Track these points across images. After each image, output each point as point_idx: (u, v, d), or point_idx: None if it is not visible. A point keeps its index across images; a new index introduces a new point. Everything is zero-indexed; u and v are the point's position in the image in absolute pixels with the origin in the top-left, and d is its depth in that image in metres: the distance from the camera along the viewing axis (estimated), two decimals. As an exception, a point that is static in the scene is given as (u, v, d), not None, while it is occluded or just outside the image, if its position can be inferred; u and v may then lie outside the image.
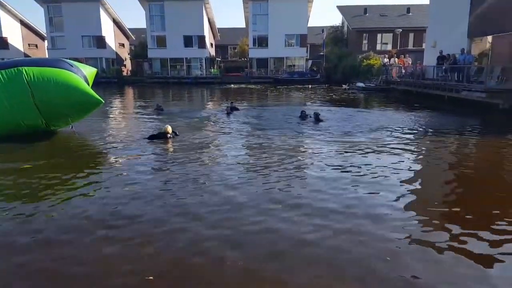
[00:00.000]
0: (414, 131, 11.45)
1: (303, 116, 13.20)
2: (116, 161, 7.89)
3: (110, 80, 43.83)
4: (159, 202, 5.41)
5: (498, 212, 5.10)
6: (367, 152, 8.42)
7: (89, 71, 11.04)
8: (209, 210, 5.10)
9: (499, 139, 10.55)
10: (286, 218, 4.81)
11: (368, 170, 6.96)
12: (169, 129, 9.85)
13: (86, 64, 14.55)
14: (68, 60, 10.60)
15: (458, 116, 14.63)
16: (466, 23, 19.29)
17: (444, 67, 19.43)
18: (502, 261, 3.82)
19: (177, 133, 10.24)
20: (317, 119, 12.42)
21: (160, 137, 9.71)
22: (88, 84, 10.61)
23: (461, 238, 4.32)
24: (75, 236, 4.41)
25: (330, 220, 4.76)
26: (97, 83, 15.09)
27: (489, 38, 18.37)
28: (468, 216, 5.00)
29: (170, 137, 9.75)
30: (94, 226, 4.63)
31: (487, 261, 3.83)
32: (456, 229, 4.54)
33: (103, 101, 10.38)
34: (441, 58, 20.19)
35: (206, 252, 4.00)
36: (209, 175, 6.71)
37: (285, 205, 5.27)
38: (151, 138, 9.77)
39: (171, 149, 8.94)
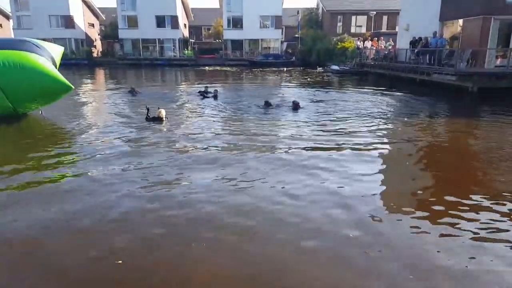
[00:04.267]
0: (385, 114, 11.64)
1: (267, 104, 12.38)
2: (90, 145, 7.67)
3: (80, 61, 42.21)
4: (131, 187, 5.33)
5: (459, 194, 5.31)
6: (342, 136, 8.55)
7: (57, 51, 10.56)
8: (184, 192, 5.08)
9: (468, 121, 10.91)
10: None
11: (341, 156, 7.07)
12: (163, 113, 10.02)
13: (54, 45, 13.91)
14: (34, 41, 10.09)
15: (429, 98, 14.96)
16: (438, 7, 19.61)
17: (416, 50, 19.80)
18: (458, 235, 3.99)
19: (168, 118, 10.25)
20: (296, 107, 11.93)
21: (156, 120, 9.86)
22: (56, 65, 10.20)
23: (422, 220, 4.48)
24: (45, 225, 4.30)
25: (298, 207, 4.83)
26: (67, 65, 14.52)
27: (460, 21, 18.76)
28: (432, 199, 5.18)
29: (164, 120, 9.92)
30: (59, 215, 4.52)
31: (447, 237, 4.00)
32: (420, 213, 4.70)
33: (73, 87, 10.04)
34: (414, 42, 20.53)
35: (177, 234, 4.00)
36: (183, 161, 6.65)
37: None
38: (149, 120, 9.89)
39: (165, 132, 9.02)
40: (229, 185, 5.43)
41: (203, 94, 15.39)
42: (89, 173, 5.92)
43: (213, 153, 7.07)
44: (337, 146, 7.58)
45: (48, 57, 9.78)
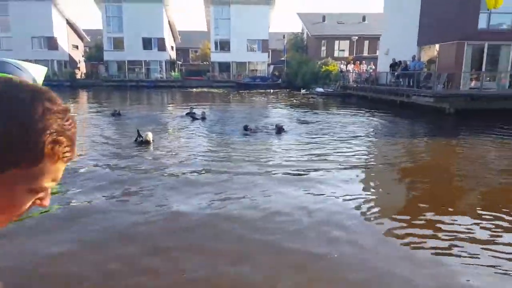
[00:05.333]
0: (367, 135, 11.94)
1: (246, 129, 12.06)
2: (73, 171, 7.52)
3: (62, 83, 41.15)
4: (115, 217, 5.36)
5: (439, 211, 5.50)
6: (324, 159, 8.73)
7: (39, 72, 10.54)
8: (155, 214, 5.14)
9: (445, 141, 11.27)
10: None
11: (322, 176, 7.22)
12: (150, 136, 10.01)
13: (38, 65, 13.89)
14: (12, 61, 9.81)
15: (409, 119, 15.41)
16: (416, 32, 20.44)
17: (396, 73, 20.47)
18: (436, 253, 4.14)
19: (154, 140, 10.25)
20: (279, 131, 11.77)
21: (143, 142, 9.87)
22: (39, 86, 10.20)
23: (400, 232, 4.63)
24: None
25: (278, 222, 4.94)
26: (49, 87, 14.34)
27: (437, 46, 19.57)
28: (412, 216, 5.35)
29: (151, 142, 9.92)
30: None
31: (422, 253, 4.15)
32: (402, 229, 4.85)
33: None
34: (394, 65, 21.25)
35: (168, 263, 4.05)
36: (170, 186, 6.73)
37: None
38: (138, 142, 9.91)
39: (153, 155, 8.90)
40: (213, 211, 5.34)
41: (192, 116, 15.28)
42: (72, 204, 5.64)
43: (199, 178, 6.92)
44: (318, 168, 7.58)
45: (29, 79, 9.75)
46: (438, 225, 4.83)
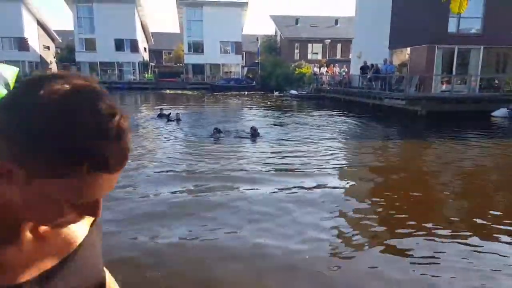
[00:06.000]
0: (341, 137, 12.06)
1: (218, 131, 11.53)
2: None
3: (32, 84, 40.56)
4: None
5: (412, 215, 5.66)
6: (298, 163, 8.81)
7: (10, 72, 10.21)
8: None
9: (418, 142, 11.62)
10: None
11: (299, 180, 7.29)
12: None
13: (7, 67, 13.43)
14: None
15: (381, 122, 15.73)
16: (387, 36, 20.97)
17: (368, 76, 20.94)
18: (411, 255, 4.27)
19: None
20: (254, 134, 11.37)
21: None
22: (10, 88, 9.86)
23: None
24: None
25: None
26: (19, 87, 13.84)
27: (408, 49, 20.14)
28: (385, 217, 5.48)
29: None
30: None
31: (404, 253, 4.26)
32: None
33: None
34: (365, 68, 21.73)
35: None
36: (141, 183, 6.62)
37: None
38: None
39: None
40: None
41: (167, 117, 15.13)
42: None
43: (177, 196, 6.93)
44: (293, 174, 7.47)
45: (1, 81, 9.44)
46: (412, 228, 4.97)
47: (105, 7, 43.33)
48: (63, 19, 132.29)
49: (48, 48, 50.66)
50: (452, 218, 5.32)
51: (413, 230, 4.74)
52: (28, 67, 44.56)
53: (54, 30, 51.47)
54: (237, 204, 5.55)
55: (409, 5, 18.70)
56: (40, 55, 47.55)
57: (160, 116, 15.59)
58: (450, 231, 4.73)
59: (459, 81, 17.94)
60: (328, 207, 5.54)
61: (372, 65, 21.16)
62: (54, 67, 49.95)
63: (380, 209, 5.61)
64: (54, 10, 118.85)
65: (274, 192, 6.10)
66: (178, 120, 14.84)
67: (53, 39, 52.26)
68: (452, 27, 17.67)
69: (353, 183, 7.07)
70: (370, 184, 7.06)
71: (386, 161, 8.98)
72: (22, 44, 44.19)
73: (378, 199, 6.11)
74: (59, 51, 51.22)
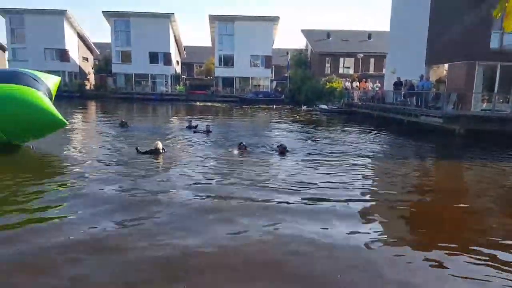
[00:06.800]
0: (374, 154, 11.61)
1: (241, 148, 11.15)
2: (81, 184, 7.27)
3: (72, 94, 42.27)
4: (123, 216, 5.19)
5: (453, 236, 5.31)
6: (331, 176, 8.52)
7: (53, 81, 10.58)
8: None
9: (455, 162, 11.09)
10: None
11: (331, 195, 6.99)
12: (160, 145, 10.18)
13: (48, 77, 13.97)
14: (30, 72, 10.10)
15: (416, 139, 15.06)
16: (424, 51, 20.40)
17: (403, 92, 20.39)
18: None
19: (165, 149, 10.42)
20: (282, 152, 10.82)
21: (152, 152, 9.95)
22: (52, 96, 10.22)
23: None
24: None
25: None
26: (59, 97, 14.35)
27: (446, 65, 19.48)
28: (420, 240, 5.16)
29: (161, 152, 10.06)
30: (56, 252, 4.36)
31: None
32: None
33: (67, 122, 10.11)
34: (397, 84, 21.19)
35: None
36: (174, 194, 6.56)
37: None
38: (144, 153, 9.95)
39: (162, 164, 9.18)
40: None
41: (196, 129, 15.43)
42: (75, 216, 5.49)
43: (206, 202, 6.42)
44: (325, 195, 6.95)
45: (44, 89, 9.79)
46: (452, 250, 4.64)
47: (141, 22, 45.08)
48: (101, 32, 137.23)
49: (87, 59, 52.89)
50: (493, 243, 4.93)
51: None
52: (68, 77, 46.62)
53: (93, 43, 53.75)
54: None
55: (448, 20, 18.13)
56: (79, 66, 49.77)
57: (189, 127, 16.07)
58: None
59: (501, 100, 17.08)
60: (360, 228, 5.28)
61: (406, 81, 20.62)
62: (91, 78, 52.03)
63: (421, 236, 5.30)
64: (94, 23, 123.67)
65: (306, 220, 5.87)
66: (208, 131, 14.87)
67: (91, 51, 54.54)
68: (494, 43, 16.93)
69: (385, 208, 6.75)
70: (405, 212, 6.71)
71: (422, 181, 8.56)
72: (63, 55, 46.46)
73: (412, 223, 5.79)
74: (97, 62, 53.35)
